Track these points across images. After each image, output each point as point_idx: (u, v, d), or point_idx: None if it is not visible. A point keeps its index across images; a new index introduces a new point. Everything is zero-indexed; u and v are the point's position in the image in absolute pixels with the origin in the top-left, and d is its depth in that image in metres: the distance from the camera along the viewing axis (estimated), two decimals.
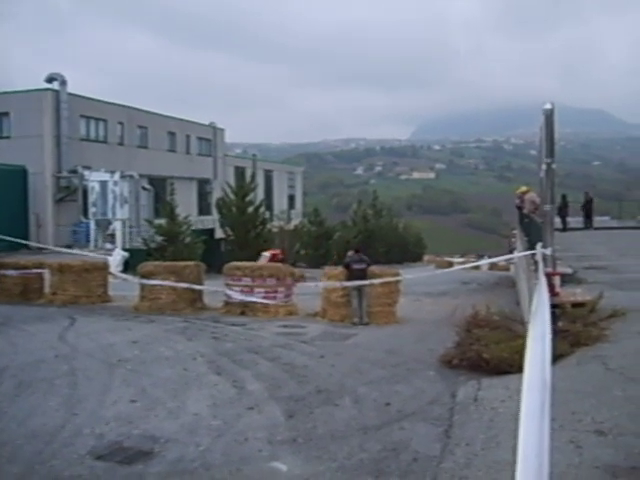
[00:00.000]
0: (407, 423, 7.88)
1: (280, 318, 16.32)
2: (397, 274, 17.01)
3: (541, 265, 10.04)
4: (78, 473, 6.26)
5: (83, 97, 41.61)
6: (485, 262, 32.29)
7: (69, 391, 9.14)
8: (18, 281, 19.27)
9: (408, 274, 21.39)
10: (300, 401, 8.84)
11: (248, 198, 38.47)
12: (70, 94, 39.68)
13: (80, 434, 7.33)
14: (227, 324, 15.41)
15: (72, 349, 12.07)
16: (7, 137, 39.13)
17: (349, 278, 15.82)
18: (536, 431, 2.47)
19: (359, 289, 15.68)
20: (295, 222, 55.83)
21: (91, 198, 37.24)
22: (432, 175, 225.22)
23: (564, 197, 31.12)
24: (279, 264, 20.71)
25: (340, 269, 16.86)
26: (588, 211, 32.34)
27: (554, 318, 10.58)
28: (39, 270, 19.45)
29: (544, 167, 11.72)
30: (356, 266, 15.96)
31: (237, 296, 17.01)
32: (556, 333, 10.30)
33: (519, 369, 9.07)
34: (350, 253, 16.88)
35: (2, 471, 6.33)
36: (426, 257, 65.64)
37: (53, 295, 18.74)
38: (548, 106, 11.43)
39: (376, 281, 15.80)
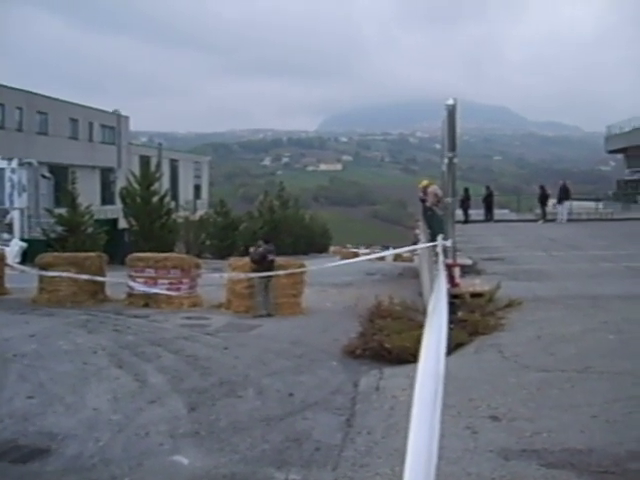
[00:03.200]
0: (310, 413, 7.95)
1: (184, 310, 16.14)
2: (302, 265, 17.08)
3: (441, 257, 10.29)
4: None
5: None
6: (389, 253, 32.80)
7: None
8: None
9: (314, 265, 21.55)
10: (203, 393, 8.79)
11: (153, 188, 37.72)
12: None
13: None
14: (130, 316, 15.14)
15: None
16: None
17: (258, 270, 15.73)
18: (428, 421, 2.53)
19: (267, 280, 15.64)
20: (201, 212, 55.24)
21: None
22: (339, 167, 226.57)
23: (466, 190, 32.00)
24: (183, 255, 20.48)
25: (245, 260, 16.77)
26: (489, 204, 33.36)
27: (454, 308, 10.90)
28: None
29: (446, 161, 12.03)
30: (270, 257, 15.93)
31: (140, 287, 16.71)
32: (456, 323, 10.62)
33: None
34: (260, 244, 16.48)
35: None
36: (332, 248, 66.11)
37: None
38: (450, 102, 11.72)
39: (281, 272, 15.81)
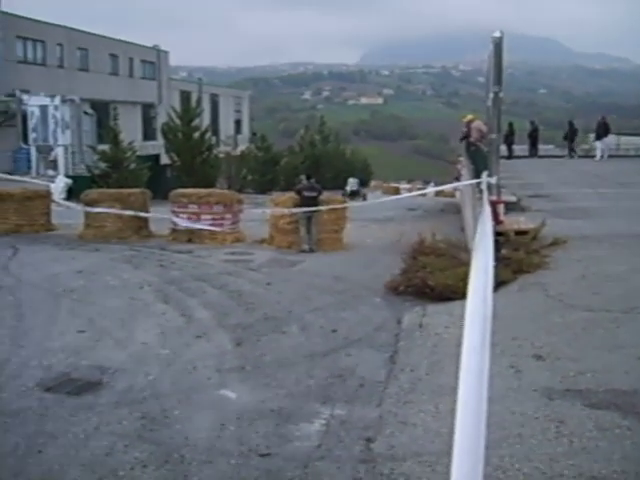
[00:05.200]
0: (353, 349, 8.04)
1: (227, 245, 16.27)
2: (344, 200, 17.07)
3: (486, 195, 10.17)
4: (27, 405, 6.26)
5: (19, 16, 39.77)
6: (432, 190, 32.54)
7: (15, 323, 9.05)
8: None
9: (355, 201, 21.50)
10: (248, 329, 8.93)
11: (194, 123, 37.77)
12: (4, 13, 37.87)
13: (27, 366, 7.31)
14: (174, 252, 15.33)
15: (16, 280, 11.88)
16: None
17: (299, 205, 15.78)
18: (477, 364, 2.54)
19: (309, 217, 15.67)
20: (242, 147, 55.20)
21: (31, 123, 36.04)
22: (380, 101, 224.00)
23: (511, 125, 31.34)
24: (226, 191, 20.58)
25: (288, 195, 16.81)
26: (534, 139, 32.70)
27: (497, 246, 10.81)
28: None
29: (491, 96, 11.73)
30: (307, 193, 15.91)
31: (184, 223, 16.87)
32: (499, 261, 10.55)
33: (463, 296, 9.26)
34: (302, 179, 16.73)
35: None
36: (373, 183, 65.88)
37: None
38: (497, 34, 11.36)
39: (323, 208, 15.82)
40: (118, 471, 5.05)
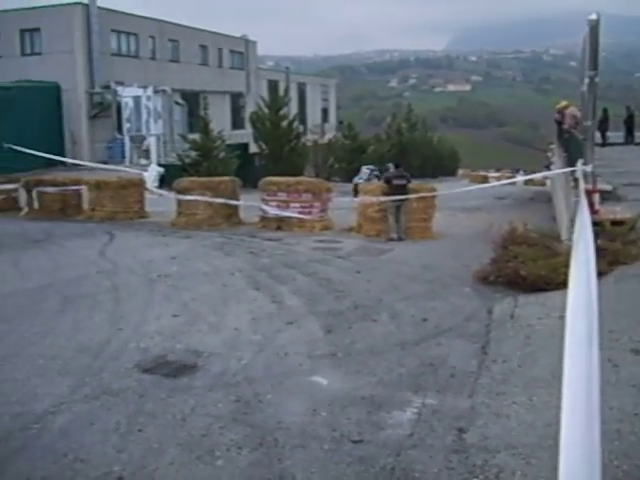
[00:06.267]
0: (444, 339, 7.99)
1: (316, 233, 16.41)
2: (433, 189, 16.91)
3: (582, 184, 9.90)
4: (127, 385, 6.50)
5: (113, 11, 40.89)
6: (523, 178, 31.80)
7: (113, 306, 9.40)
8: (57, 198, 19.54)
9: (443, 188, 21.27)
10: (338, 316, 8.98)
11: (282, 112, 38.19)
12: (100, 8, 38.97)
13: (126, 348, 7.58)
14: (263, 239, 15.57)
15: (113, 265, 12.33)
16: (38, 53, 38.58)
17: (388, 193, 15.75)
18: (584, 364, 2.48)
19: (397, 205, 15.62)
20: (329, 136, 55.33)
21: (125, 114, 37.13)
22: (468, 87, 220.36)
23: (605, 111, 30.19)
24: (315, 179, 20.69)
25: (377, 184, 16.78)
26: (630, 126, 31.43)
27: (593, 236, 10.51)
28: (77, 187, 19.68)
29: (586, 81, 11.41)
30: (396, 182, 15.87)
31: (273, 211, 17.10)
32: (595, 251, 10.25)
33: (556, 286, 9.11)
34: (391, 168, 16.73)
35: (54, 383, 6.59)
36: (460, 171, 65.05)
37: (91, 211, 19.05)
38: (593, 17, 11.02)
39: (412, 196, 15.75)
40: (214, 452, 5.18)
